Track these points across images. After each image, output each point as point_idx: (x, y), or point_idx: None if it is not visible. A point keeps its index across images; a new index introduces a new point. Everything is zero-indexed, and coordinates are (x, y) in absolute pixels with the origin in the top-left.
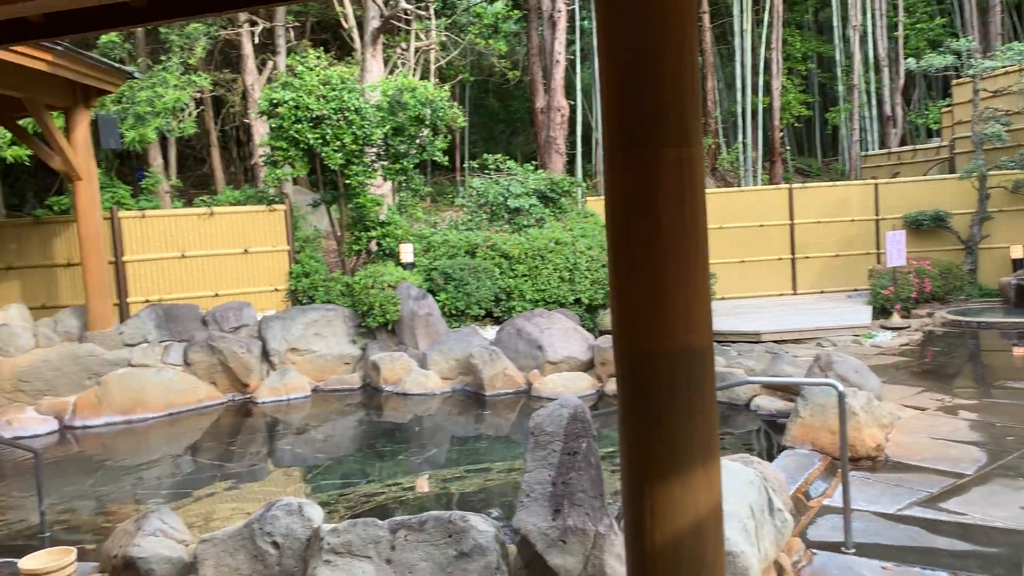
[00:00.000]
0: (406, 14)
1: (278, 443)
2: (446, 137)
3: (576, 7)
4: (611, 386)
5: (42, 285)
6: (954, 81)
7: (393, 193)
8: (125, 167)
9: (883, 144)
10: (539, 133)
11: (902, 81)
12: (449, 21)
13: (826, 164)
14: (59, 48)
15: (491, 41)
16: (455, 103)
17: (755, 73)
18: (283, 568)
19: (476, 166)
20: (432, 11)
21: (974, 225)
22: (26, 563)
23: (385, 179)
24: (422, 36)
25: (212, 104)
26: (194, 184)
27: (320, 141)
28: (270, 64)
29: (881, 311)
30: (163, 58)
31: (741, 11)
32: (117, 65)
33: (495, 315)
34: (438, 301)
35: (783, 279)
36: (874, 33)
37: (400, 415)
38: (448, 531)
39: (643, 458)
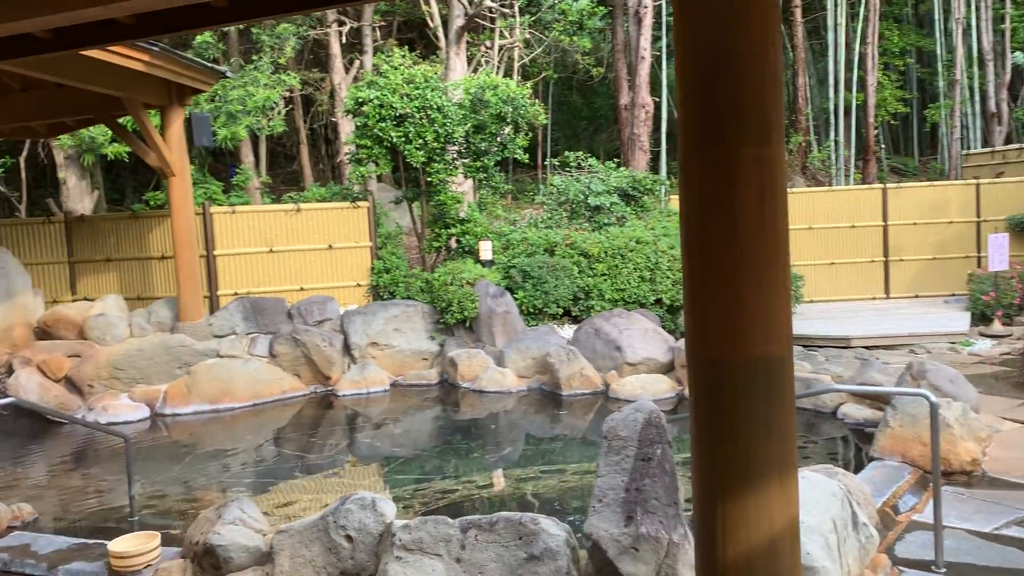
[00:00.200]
0: (490, 12)
1: (357, 436)
2: (527, 135)
3: (663, 2)
4: None
5: (138, 277)
6: None
7: (474, 191)
8: (219, 164)
9: (986, 142)
10: (623, 130)
11: (1008, 76)
12: (533, 18)
13: (923, 163)
14: (155, 49)
15: (575, 38)
16: (537, 100)
17: (849, 69)
18: (356, 562)
19: (557, 164)
20: (516, 8)
21: None
22: (115, 546)
23: (466, 177)
24: (506, 34)
25: (302, 103)
26: (284, 181)
27: (403, 139)
28: (357, 63)
29: (980, 318)
30: (255, 58)
31: (835, 5)
32: (210, 65)
33: (573, 314)
34: (516, 299)
35: (875, 282)
36: (978, 26)
37: (476, 412)
38: (519, 533)
39: (716, 470)
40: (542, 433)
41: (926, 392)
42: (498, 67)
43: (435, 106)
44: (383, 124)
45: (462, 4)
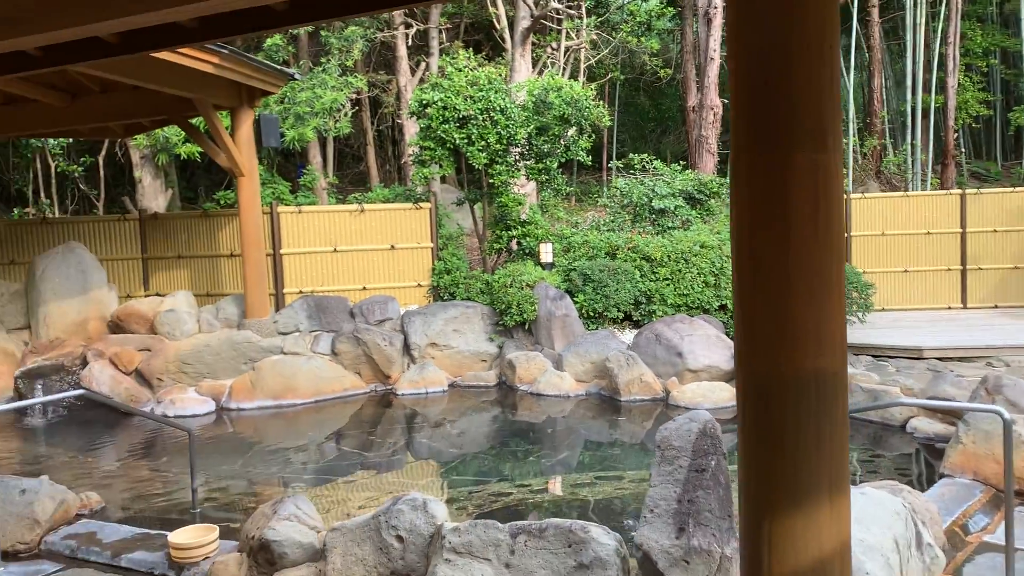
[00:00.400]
0: (557, 14)
1: (415, 435)
2: (590, 136)
3: None
4: None
5: (207, 274)
6: None
7: (537, 193)
8: (289, 164)
9: None
10: (690, 132)
11: None
12: (601, 20)
13: (1007, 168)
14: (224, 51)
15: (643, 39)
16: (602, 102)
17: (928, 70)
18: (406, 562)
19: (621, 166)
20: (583, 10)
21: None
22: (175, 537)
23: (528, 178)
24: (572, 35)
25: (369, 105)
26: (351, 181)
27: (465, 141)
28: (423, 65)
29: None
30: (323, 60)
31: (915, 4)
32: (279, 67)
33: (634, 319)
34: (576, 302)
35: (951, 291)
36: None
37: (534, 415)
38: (568, 540)
39: (763, 487)
40: (600, 438)
41: (999, 408)
42: (564, 69)
43: (498, 108)
44: (446, 126)
45: (527, 5)
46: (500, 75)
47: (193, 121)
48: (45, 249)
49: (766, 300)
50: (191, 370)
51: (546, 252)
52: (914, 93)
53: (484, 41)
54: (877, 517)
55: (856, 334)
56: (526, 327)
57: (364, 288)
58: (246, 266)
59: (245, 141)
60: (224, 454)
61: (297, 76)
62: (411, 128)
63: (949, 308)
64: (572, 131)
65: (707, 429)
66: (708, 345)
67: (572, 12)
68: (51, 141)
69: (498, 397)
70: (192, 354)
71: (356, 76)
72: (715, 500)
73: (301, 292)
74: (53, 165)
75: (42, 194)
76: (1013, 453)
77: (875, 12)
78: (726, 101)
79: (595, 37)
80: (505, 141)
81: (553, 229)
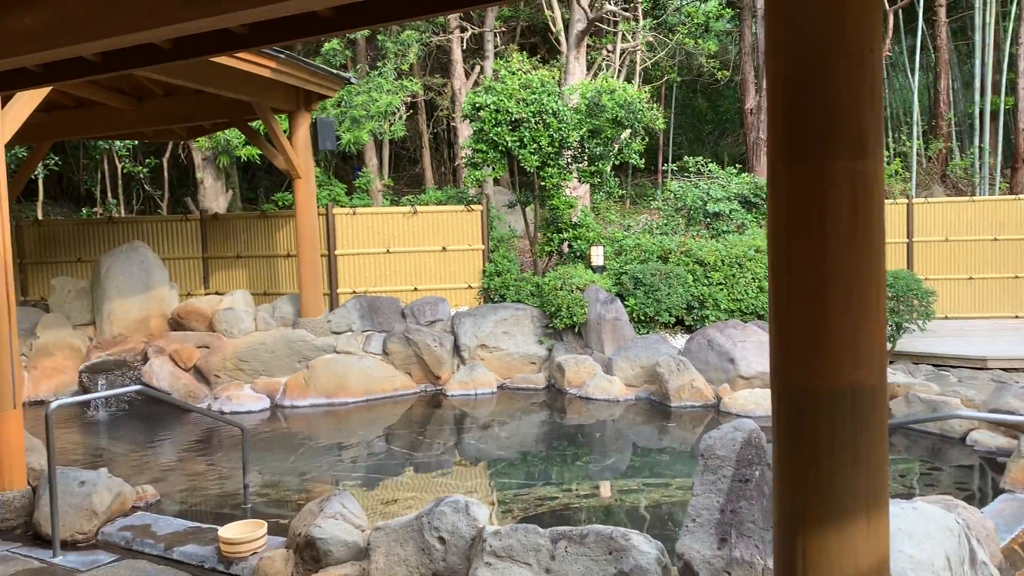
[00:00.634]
0: (613, 16)
1: (464, 436)
2: (643, 139)
3: None
4: None
5: (265, 273)
6: None
7: (590, 195)
8: (347, 166)
9: None
10: (748, 134)
11: None
12: (657, 22)
13: None
14: (281, 56)
15: (701, 41)
16: (657, 104)
17: (998, 71)
18: (448, 564)
19: (676, 168)
20: (640, 12)
21: None
22: (225, 531)
23: (580, 181)
24: (628, 37)
25: (425, 108)
26: (407, 183)
27: (517, 143)
28: (478, 68)
29: None
30: (379, 64)
31: (984, 4)
32: (335, 71)
33: (686, 323)
34: (627, 306)
35: (1019, 299)
36: None
37: (582, 419)
38: (609, 547)
39: (797, 502)
40: (648, 444)
41: None
42: (619, 71)
43: (550, 111)
44: (498, 129)
45: (582, 8)
46: (553, 78)
47: (252, 124)
48: (110, 248)
49: (802, 310)
50: (247, 367)
51: (597, 255)
52: (983, 95)
53: (540, 44)
54: (929, 533)
55: (916, 343)
56: (576, 330)
57: (415, 289)
58: (301, 266)
59: (302, 144)
60: (277, 450)
61: (353, 80)
62: (465, 131)
63: (1016, 317)
64: (626, 134)
65: (752, 438)
66: (761, 351)
67: (628, 14)
68: (118, 143)
69: (547, 400)
70: (248, 352)
71: (411, 80)
72: (758, 511)
73: (354, 292)
74: (120, 166)
75: (109, 194)
76: None
77: (942, 12)
78: None
79: (651, 39)
80: (557, 144)
81: (605, 232)
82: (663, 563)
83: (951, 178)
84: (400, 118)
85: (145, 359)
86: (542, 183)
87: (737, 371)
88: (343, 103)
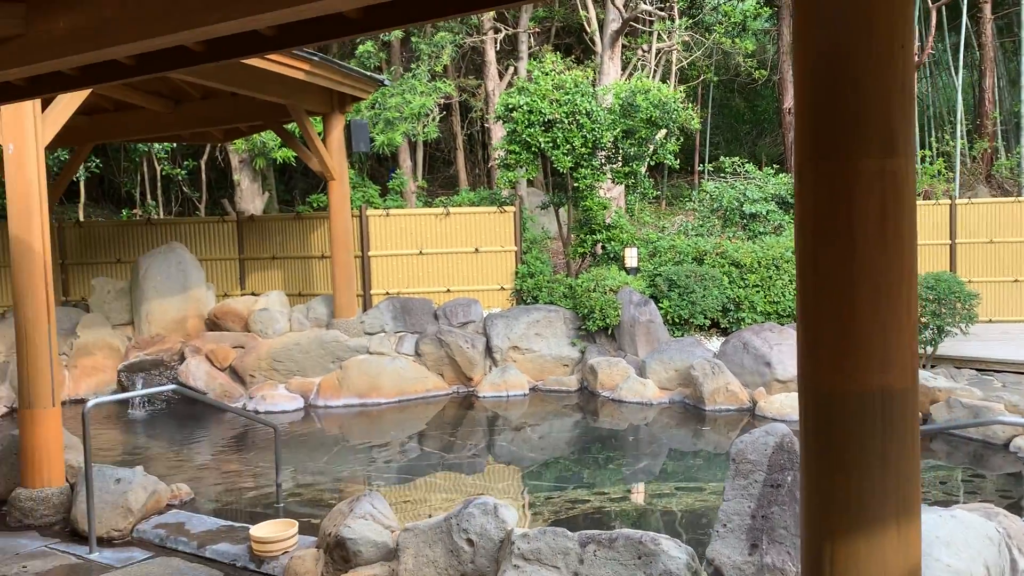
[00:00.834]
0: (648, 16)
1: (496, 438)
2: (678, 139)
3: None
4: None
5: (299, 274)
6: None
7: (624, 196)
8: (382, 167)
9: None
10: (787, 134)
11: None
12: (693, 21)
13: None
14: (315, 59)
15: (738, 40)
16: (693, 104)
17: None
18: (476, 566)
19: (712, 169)
20: (676, 11)
21: None
22: (256, 530)
23: (614, 182)
24: (664, 37)
25: (459, 109)
26: (442, 185)
27: (550, 144)
28: (512, 70)
29: None
30: (412, 66)
31: None
32: (368, 73)
33: (721, 326)
34: (660, 308)
35: None
36: None
37: (615, 422)
38: (638, 552)
39: (824, 509)
40: (682, 448)
41: None
42: (655, 71)
43: (584, 111)
44: (531, 129)
45: (616, 8)
46: (587, 78)
47: (287, 126)
48: (149, 249)
49: (830, 313)
50: (282, 367)
51: (631, 257)
52: None
53: (575, 45)
54: (968, 541)
55: (959, 346)
56: (609, 332)
57: (448, 290)
58: (335, 267)
59: (336, 146)
60: (310, 450)
61: (387, 82)
62: (499, 132)
63: None
64: (661, 134)
65: (784, 443)
66: None
67: (663, 14)
68: (156, 146)
69: (579, 402)
70: (283, 352)
71: (445, 81)
72: (790, 517)
73: (388, 293)
74: (159, 169)
75: (148, 196)
76: None
77: (987, 8)
78: None
79: (687, 38)
80: (591, 144)
81: (639, 233)
82: (693, 568)
83: (996, 178)
84: (433, 120)
85: (182, 359)
86: (575, 184)
87: (773, 375)
88: (377, 105)
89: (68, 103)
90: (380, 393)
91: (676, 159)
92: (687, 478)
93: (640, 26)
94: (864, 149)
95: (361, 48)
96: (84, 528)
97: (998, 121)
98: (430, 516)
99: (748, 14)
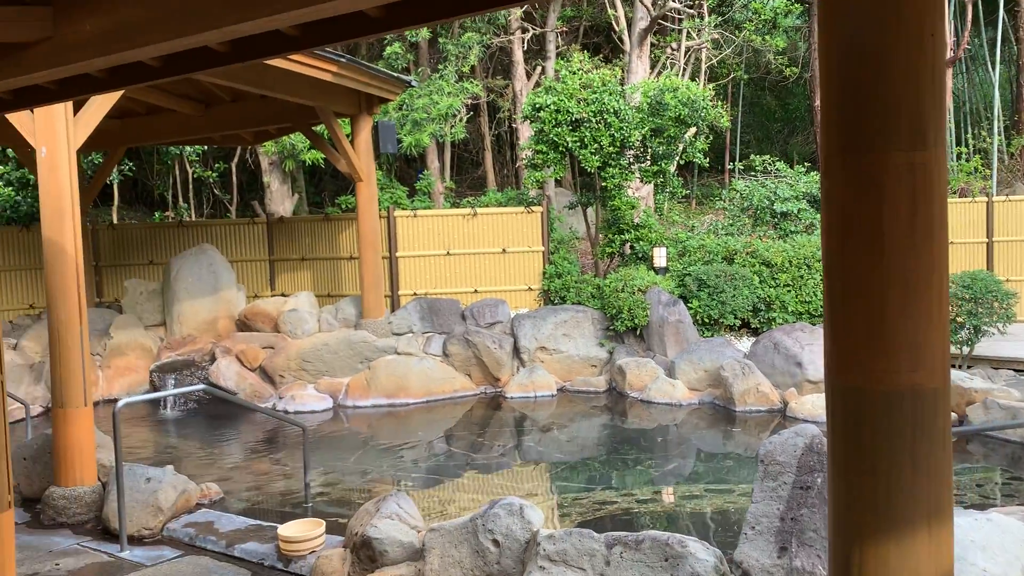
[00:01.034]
0: (677, 14)
1: (523, 439)
2: (708, 138)
3: None
4: None
5: (328, 275)
6: None
7: (653, 195)
8: (411, 168)
9: None
10: (818, 132)
11: None
12: (723, 19)
13: None
14: (342, 60)
15: (768, 37)
16: (723, 102)
17: None
18: (502, 567)
19: (742, 167)
20: (705, 8)
21: None
22: (284, 530)
23: (642, 181)
24: (693, 35)
25: (487, 109)
26: (470, 186)
27: (578, 144)
28: (539, 69)
29: None
30: (439, 67)
31: None
32: (395, 74)
33: (752, 326)
34: (690, 308)
35: None
36: None
37: (644, 423)
38: (665, 554)
39: (852, 512)
40: (711, 449)
41: None
42: (684, 69)
43: (611, 110)
44: (559, 129)
45: (644, 6)
46: (615, 77)
47: (316, 128)
48: (181, 251)
49: (856, 311)
50: (311, 368)
51: (660, 256)
52: None
53: (603, 44)
54: (1004, 546)
55: (996, 346)
56: (637, 333)
57: (475, 291)
58: (363, 268)
59: (364, 147)
60: (339, 450)
61: (414, 83)
62: (526, 132)
63: None
64: (690, 133)
65: (814, 444)
66: None
67: (692, 11)
68: (188, 149)
69: (607, 403)
70: (312, 352)
71: (472, 82)
72: (820, 519)
73: (415, 294)
74: (190, 171)
75: (180, 199)
76: None
77: None
78: None
79: (717, 36)
80: (618, 143)
81: (668, 233)
82: (721, 571)
83: None
84: (461, 121)
85: (213, 359)
86: (603, 183)
87: (804, 375)
88: (404, 106)
89: (99, 106)
90: (408, 393)
91: (706, 158)
92: (717, 480)
93: (669, 24)
94: (893, 142)
95: (389, 49)
96: (115, 526)
97: None
98: (456, 517)
99: (779, 11)
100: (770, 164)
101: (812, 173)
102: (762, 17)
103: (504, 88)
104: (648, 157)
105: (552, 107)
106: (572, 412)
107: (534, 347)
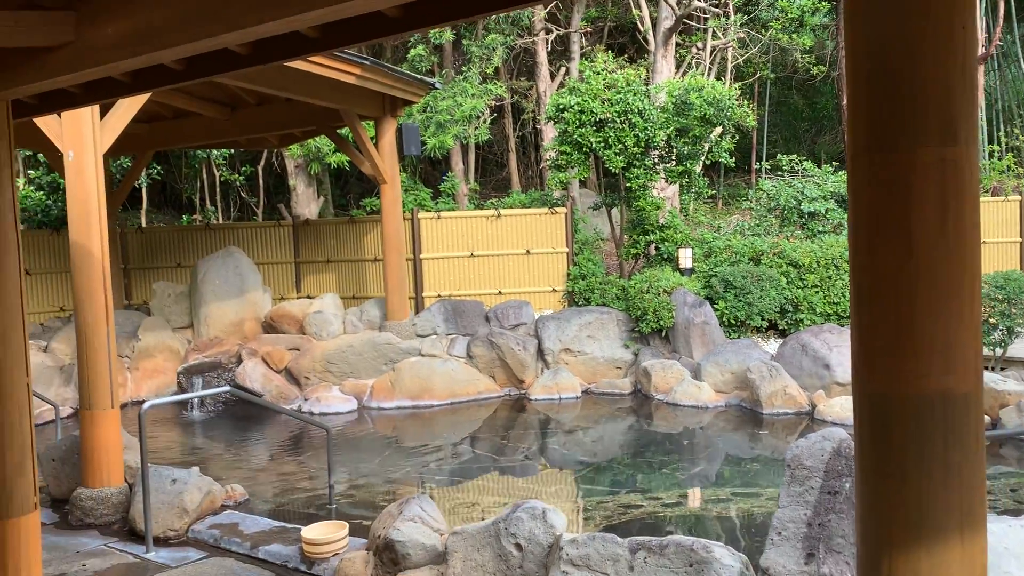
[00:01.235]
0: (702, 13)
1: (548, 441)
2: (734, 137)
3: None
4: None
5: (353, 277)
6: None
7: (679, 196)
8: (435, 170)
9: None
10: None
11: None
12: (749, 17)
13: None
14: (366, 62)
15: (795, 36)
16: (749, 101)
17: None
18: (524, 571)
19: (769, 167)
20: (731, 7)
21: None
22: (307, 532)
23: (667, 181)
24: (719, 34)
25: (511, 111)
26: (495, 187)
27: (602, 144)
28: (563, 70)
29: None
30: (463, 68)
31: None
32: (419, 76)
33: (779, 328)
34: (716, 309)
35: None
36: None
37: (670, 426)
38: (689, 559)
39: (881, 519)
40: (738, 452)
41: None
42: (710, 69)
43: (636, 110)
44: (582, 130)
45: (669, 6)
46: (639, 77)
47: (340, 131)
48: (208, 253)
49: (885, 312)
50: (336, 369)
51: (685, 257)
52: None
53: (628, 44)
54: None
55: None
56: (663, 334)
57: (499, 293)
58: (387, 270)
59: (388, 149)
60: (364, 451)
61: (437, 85)
62: (550, 133)
63: None
64: (716, 132)
65: (842, 448)
66: None
67: (718, 11)
68: (215, 152)
69: (632, 405)
70: (337, 354)
71: (496, 83)
72: (848, 525)
73: (439, 296)
74: (218, 175)
75: (208, 202)
76: None
77: None
78: None
79: (743, 35)
80: (643, 144)
81: (694, 233)
82: None
83: None
84: (485, 122)
85: (239, 361)
86: (628, 184)
87: (833, 377)
88: (428, 108)
89: (125, 110)
90: (432, 395)
91: (732, 158)
92: (743, 483)
93: (694, 24)
94: (922, 137)
95: (413, 52)
96: (141, 527)
97: None
98: (479, 520)
99: (806, 9)
100: (797, 164)
101: (840, 172)
102: (789, 16)
103: (528, 89)
104: (673, 157)
105: (576, 108)
106: (597, 414)
107: (558, 349)
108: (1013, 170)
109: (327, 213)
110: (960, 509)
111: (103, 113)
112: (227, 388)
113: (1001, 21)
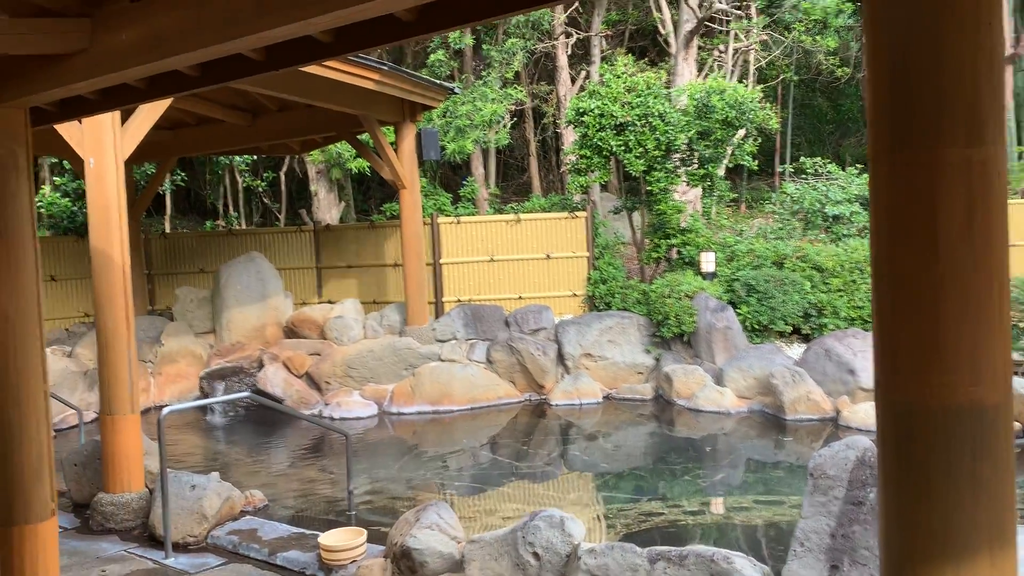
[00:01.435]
0: (724, 15)
1: (568, 447)
2: (756, 140)
3: None
4: None
5: (373, 282)
6: None
7: (701, 199)
8: (456, 175)
9: None
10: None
11: None
12: (772, 19)
13: None
14: (384, 68)
15: (819, 38)
16: (772, 104)
17: None
18: None
19: (792, 170)
20: (754, 9)
21: None
22: (325, 539)
23: (689, 185)
24: (742, 36)
25: (531, 115)
26: (515, 192)
27: (623, 148)
28: (584, 74)
29: None
30: (483, 73)
31: None
32: (438, 82)
33: (803, 332)
34: (739, 314)
35: None
36: None
37: (692, 432)
38: (710, 570)
39: (906, 535)
40: (761, 459)
41: None
42: (732, 71)
43: (656, 113)
44: (603, 133)
45: (690, 8)
46: (660, 80)
47: (360, 137)
48: (230, 259)
49: (909, 319)
50: (356, 374)
51: (707, 261)
52: None
53: (649, 47)
54: None
55: None
56: (684, 339)
57: (519, 297)
58: (407, 275)
59: (407, 154)
60: (384, 457)
61: (457, 90)
62: (570, 137)
63: None
64: (739, 135)
65: (866, 457)
66: None
67: (740, 13)
68: (238, 158)
69: (654, 411)
70: (357, 359)
71: (516, 88)
72: (873, 537)
73: (459, 301)
74: (240, 181)
75: (231, 207)
76: None
77: None
78: None
79: (766, 37)
80: (664, 147)
81: (716, 237)
82: None
83: None
84: (505, 127)
85: (261, 366)
86: (648, 188)
87: (857, 383)
88: (448, 113)
89: (146, 117)
90: (452, 400)
91: (755, 160)
92: (767, 491)
93: (716, 26)
94: (947, 137)
95: (432, 57)
96: (161, 533)
97: None
98: (499, 528)
99: (829, 11)
100: (821, 166)
101: (865, 175)
102: (812, 17)
103: (548, 93)
104: (694, 160)
105: (596, 111)
106: (618, 420)
107: (579, 354)
108: None
109: (348, 218)
110: (989, 525)
111: (124, 120)
112: (247, 393)
113: None
